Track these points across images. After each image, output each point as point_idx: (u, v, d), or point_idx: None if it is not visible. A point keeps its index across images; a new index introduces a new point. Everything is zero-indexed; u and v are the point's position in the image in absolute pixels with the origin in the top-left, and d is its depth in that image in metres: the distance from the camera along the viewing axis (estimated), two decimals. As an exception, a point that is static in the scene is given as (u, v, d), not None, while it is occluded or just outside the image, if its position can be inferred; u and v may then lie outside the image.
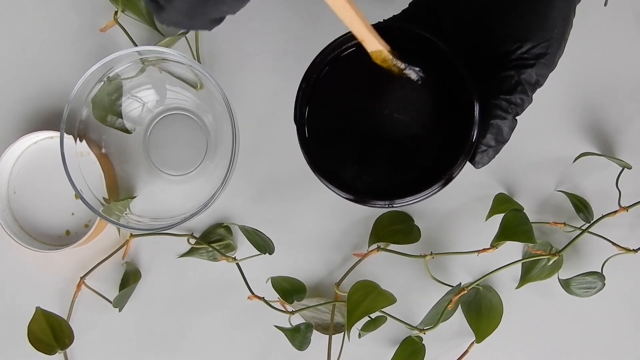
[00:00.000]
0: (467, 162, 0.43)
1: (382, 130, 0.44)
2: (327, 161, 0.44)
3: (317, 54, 0.44)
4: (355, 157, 0.44)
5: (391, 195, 0.43)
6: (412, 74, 0.43)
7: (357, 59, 0.44)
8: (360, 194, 0.43)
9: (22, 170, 0.56)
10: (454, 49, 0.42)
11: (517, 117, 0.42)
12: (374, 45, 0.41)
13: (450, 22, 0.43)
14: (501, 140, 0.42)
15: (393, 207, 0.43)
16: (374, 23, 0.44)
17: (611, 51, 0.55)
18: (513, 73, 0.41)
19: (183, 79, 0.53)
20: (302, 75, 0.44)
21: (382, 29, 0.43)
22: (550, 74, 0.43)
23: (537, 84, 0.42)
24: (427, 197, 0.42)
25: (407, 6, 0.45)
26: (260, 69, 0.56)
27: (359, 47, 0.42)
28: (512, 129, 0.42)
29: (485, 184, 0.55)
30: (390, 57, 0.42)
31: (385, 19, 0.45)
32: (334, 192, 0.43)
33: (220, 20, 0.35)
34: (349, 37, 0.43)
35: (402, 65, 0.42)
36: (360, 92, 0.44)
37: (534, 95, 0.43)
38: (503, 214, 0.49)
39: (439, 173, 0.42)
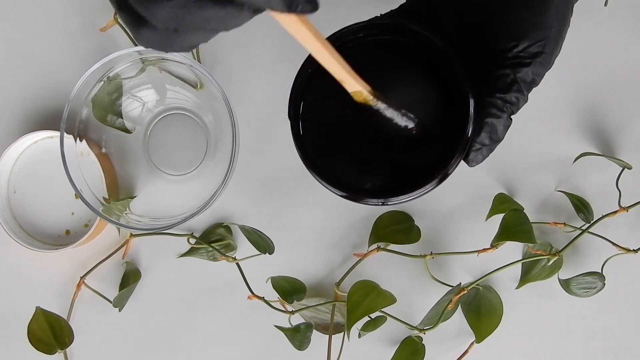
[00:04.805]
0: (462, 161, 0.42)
1: (378, 127, 0.43)
2: (321, 158, 0.44)
3: None
4: (350, 154, 0.44)
5: (385, 193, 0.42)
6: (394, 114, 0.42)
7: (354, 55, 0.43)
8: (354, 192, 0.43)
9: (22, 170, 0.56)
10: (450, 46, 0.42)
11: (512, 117, 0.42)
12: (354, 86, 0.40)
13: (448, 18, 0.43)
14: (495, 139, 0.42)
15: (387, 204, 0.43)
16: (370, 18, 0.44)
17: (611, 51, 0.55)
18: (509, 71, 0.41)
19: (183, 78, 0.53)
20: None
21: (378, 24, 0.43)
22: (549, 74, 0.42)
23: (533, 82, 0.42)
24: (421, 195, 0.42)
25: (405, 1, 0.45)
26: (260, 69, 0.56)
27: (356, 43, 0.42)
28: (506, 127, 0.42)
29: (485, 184, 0.55)
30: (372, 97, 0.41)
31: (382, 13, 0.44)
32: (328, 189, 0.43)
33: (195, 45, 0.34)
34: (346, 32, 0.43)
35: (383, 106, 0.42)
36: None
37: (530, 94, 0.42)
38: (503, 214, 0.49)
39: (434, 171, 0.41)
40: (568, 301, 0.53)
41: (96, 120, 0.52)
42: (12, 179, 0.56)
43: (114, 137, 0.54)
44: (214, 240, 0.55)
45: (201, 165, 0.55)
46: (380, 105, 0.42)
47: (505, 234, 0.48)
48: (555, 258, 0.51)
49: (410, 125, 0.43)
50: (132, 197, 0.54)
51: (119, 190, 0.54)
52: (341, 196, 0.43)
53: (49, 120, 0.56)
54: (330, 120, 0.44)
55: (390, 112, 0.42)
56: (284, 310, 0.52)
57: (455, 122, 0.42)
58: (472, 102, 0.41)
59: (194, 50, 0.55)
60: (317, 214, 0.55)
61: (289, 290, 0.52)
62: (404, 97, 0.43)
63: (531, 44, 0.41)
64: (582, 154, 0.54)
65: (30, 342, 0.49)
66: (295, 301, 0.52)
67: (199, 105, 0.55)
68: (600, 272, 0.52)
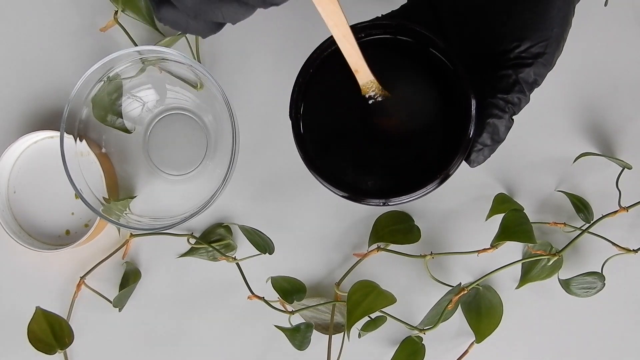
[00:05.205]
0: (463, 162, 0.42)
1: (379, 128, 0.43)
2: (322, 158, 0.44)
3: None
4: (351, 154, 0.44)
5: (387, 193, 0.43)
6: (396, 113, 0.43)
7: None
8: (355, 192, 0.43)
9: (22, 170, 0.56)
10: (451, 46, 0.42)
11: (513, 117, 0.42)
12: (367, 76, 0.41)
13: (449, 18, 0.43)
14: (497, 140, 0.42)
15: (388, 205, 0.43)
16: (371, 19, 0.44)
17: (611, 51, 0.55)
18: (511, 72, 0.41)
19: (183, 78, 0.53)
20: None
21: (380, 24, 0.43)
22: (550, 74, 0.42)
23: (535, 83, 0.42)
24: (422, 196, 0.42)
25: (406, 1, 0.45)
26: (260, 69, 0.56)
27: (357, 43, 0.42)
28: (508, 128, 0.42)
29: (485, 184, 0.55)
30: (381, 88, 0.42)
31: (384, 14, 0.44)
32: (329, 189, 0.43)
33: (217, 28, 0.35)
34: None
35: (388, 94, 0.43)
36: (357, 89, 0.44)
37: (532, 94, 0.43)
38: (503, 214, 0.49)
39: (435, 171, 0.41)
40: (568, 301, 0.53)
41: (96, 120, 0.52)
42: (12, 179, 0.56)
43: (114, 137, 0.54)
44: (214, 240, 0.55)
45: (201, 165, 0.55)
46: (386, 101, 0.42)
47: (505, 234, 0.48)
48: (555, 258, 0.51)
49: (412, 125, 0.43)
50: (132, 197, 0.54)
51: (119, 190, 0.54)
52: (342, 196, 0.43)
53: (49, 120, 0.56)
54: (331, 120, 0.44)
55: (392, 110, 0.43)
56: (284, 310, 0.52)
57: (456, 122, 0.42)
58: (474, 102, 0.41)
59: (194, 50, 0.55)
60: (317, 214, 0.55)
61: (289, 290, 0.52)
62: (405, 97, 0.43)
63: (533, 45, 0.41)
64: (582, 154, 0.54)
65: (30, 342, 0.49)
66: (295, 301, 0.52)
67: (199, 105, 0.55)
68: (600, 272, 0.52)
